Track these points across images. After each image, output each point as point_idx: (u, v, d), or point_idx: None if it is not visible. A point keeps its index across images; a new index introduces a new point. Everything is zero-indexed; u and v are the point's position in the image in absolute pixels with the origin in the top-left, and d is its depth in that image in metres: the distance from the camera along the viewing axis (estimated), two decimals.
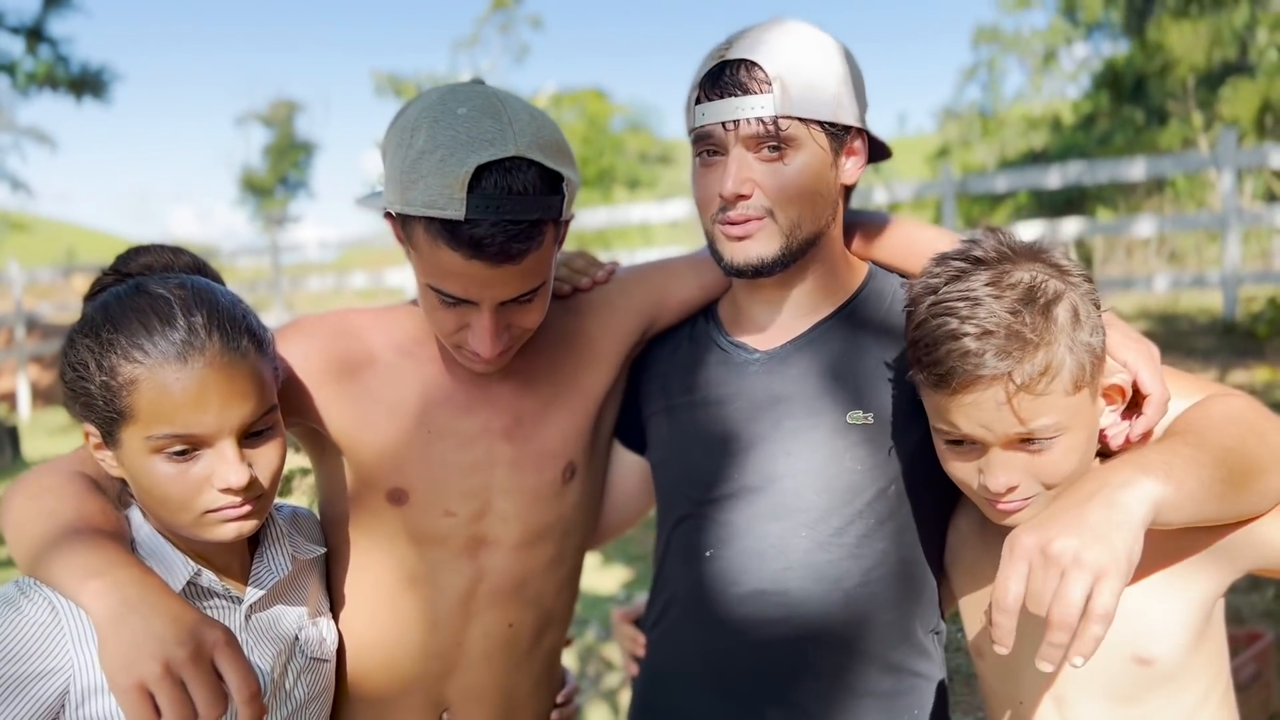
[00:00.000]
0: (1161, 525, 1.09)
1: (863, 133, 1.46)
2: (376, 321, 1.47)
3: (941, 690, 1.48)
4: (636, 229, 17.77)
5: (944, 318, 1.18)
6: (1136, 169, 8.33)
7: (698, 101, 1.40)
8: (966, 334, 1.16)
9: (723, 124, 1.37)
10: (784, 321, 1.49)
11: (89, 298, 1.26)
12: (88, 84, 15.35)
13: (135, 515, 1.26)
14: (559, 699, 1.64)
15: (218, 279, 1.30)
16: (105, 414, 1.17)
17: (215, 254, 14.97)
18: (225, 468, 1.17)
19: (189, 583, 1.22)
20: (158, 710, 1.04)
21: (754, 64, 1.36)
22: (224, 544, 1.24)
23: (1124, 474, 1.09)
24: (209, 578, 1.25)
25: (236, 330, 1.19)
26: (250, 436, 1.21)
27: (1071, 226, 8.61)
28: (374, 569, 1.46)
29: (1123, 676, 1.24)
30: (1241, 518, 1.18)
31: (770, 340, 1.49)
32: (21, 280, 12.53)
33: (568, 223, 1.36)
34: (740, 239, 1.39)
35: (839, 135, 1.42)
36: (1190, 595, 1.23)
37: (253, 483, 1.20)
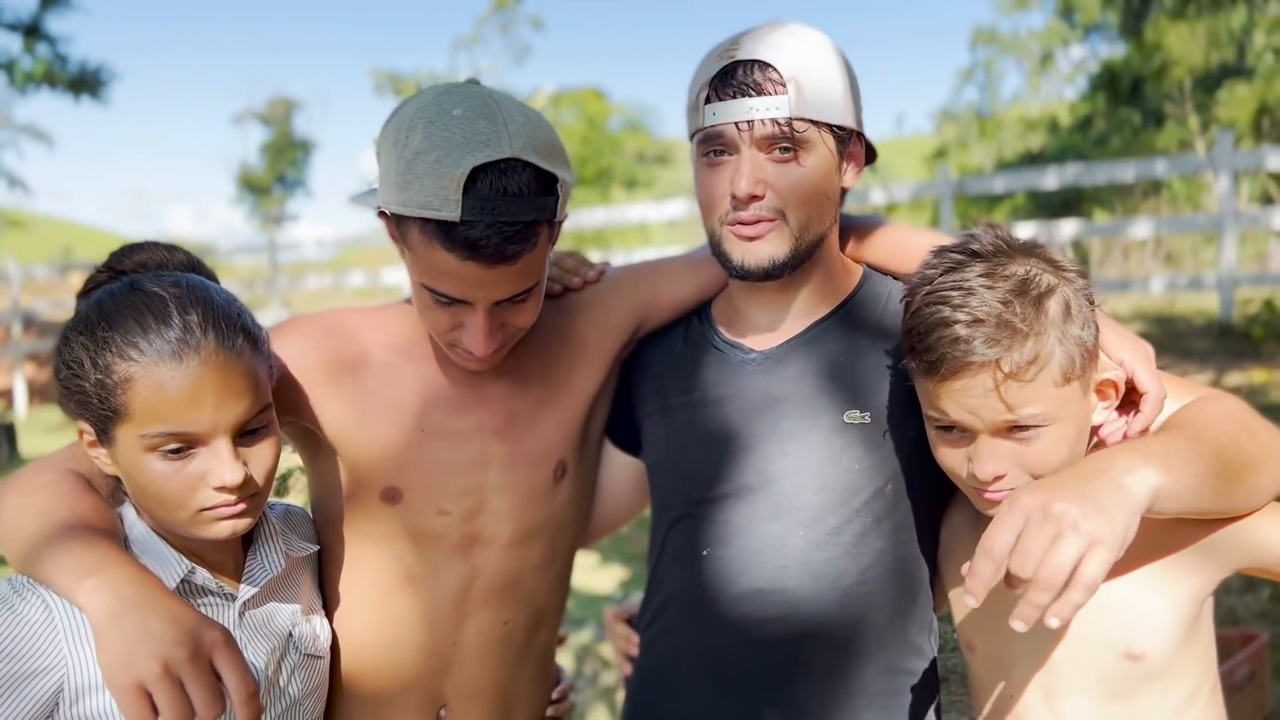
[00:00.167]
0: (1156, 513, 1.10)
1: (862, 137, 1.47)
2: (370, 320, 1.47)
3: (935, 689, 1.48)
4: (634, 229, 17.78)
5: (937, 306, 1.20)
6: (1133, 171, 8.34)
7: (707, 101, 1.39)
8: (958, 321, 1.18)
9: (735, 124, 1.36)
10: (781, 322, 1.50)
11: (83, 295, 1.26)
12: (85, 83, 15.33)
13: (128, 513, 1.26)
14: (554, 695, 1.65)
15: (212, 277, 1.31)
16: (100, 412, 1.17)
17: (212, 252, 14.96)
18: (220, 466, 1.17)
19: (183, 580, 1.22)
20: (155, 709, 1.04)
21: (767, 64, 1.36)
22: (218, 541, 1.24)
23: (1127, 459, 1.10)
24: (203, 575, 1.25)
25: (231, 328, 1.20)
26: (245, 435, 1.21)
27: (1068, 228, 8.62)
28: (368, 568, 1.46)
29: (1113, 672, 1.25)
30: (1233, 513, 1.19)
31: (767, 340, 1.50)
32: (18, 278, 12.51)
33: (561, 222, 1.36)
34: (752, 239, 1.39)
35: (844, 139, 1.42)
36: (1181, 592, 1.24)
37: (247, 481, 1.20)
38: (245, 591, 1.29)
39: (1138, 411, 1.26)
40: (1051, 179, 8.50)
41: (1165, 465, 1.10)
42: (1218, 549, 1.22)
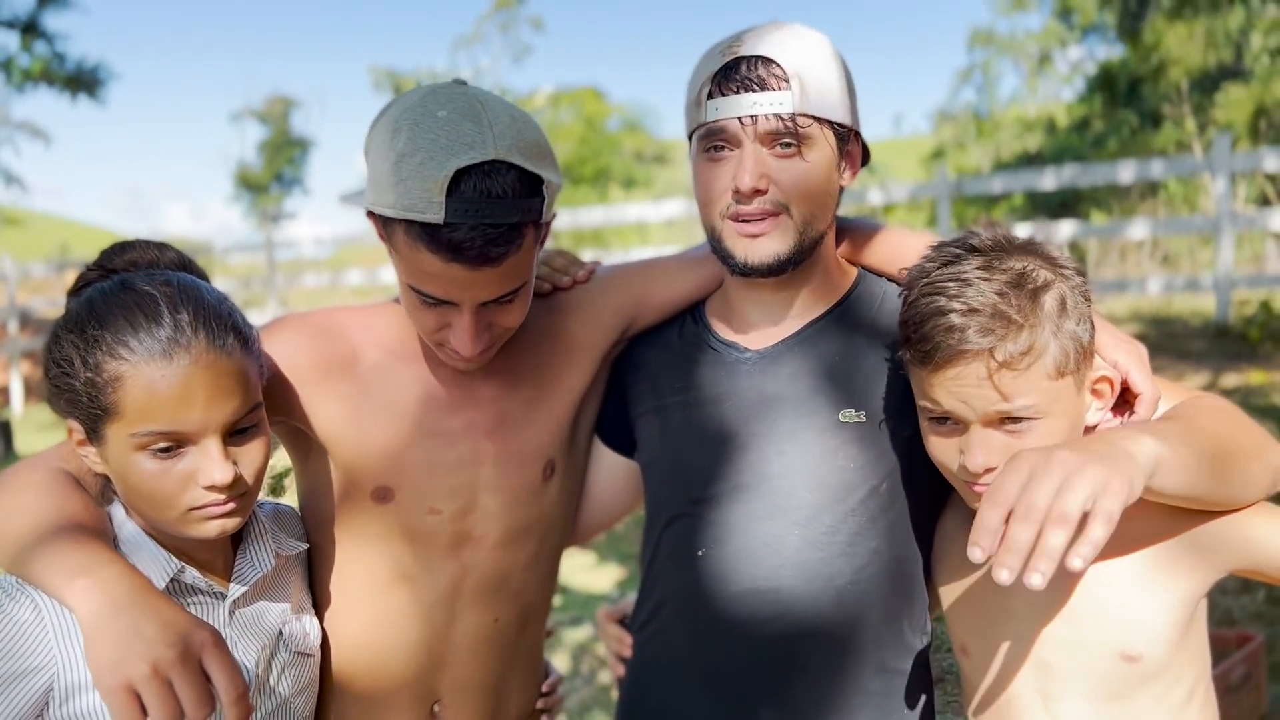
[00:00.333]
0: (1157, 491, 1.10)
1: (859, 138, 1.47)
2: (361, 320, 1.47)
3: (929, 689, 1.48)
4: (632, 228, 17.78)
5: (933, 296, 1.22)
6: (1131, 172, 8.36)
7: (709, 96, 1.39)
8: (953, 310, 1.19)
9: (739, 118, 1.36)
10: (776, 321, 1.50)
11: (73, 293, 1.25)
12: (83, 82, 15.33)
13: (118, 512, 1.26)
14: (544, 688, 1.66)
15: (203, 276, 1.30)
16: (90, 410, 1.17)
17: (210, 250, 14.94)
18: (210, 465, 1.17)
19: (172, 579, 1.22)
20: (145, 710, 1.04)
21: (771, 60, 1.36)
22: (207, 540, 1.24)
23: (1126, 432, 1.11)
24: (192, 574, 1.25)
25: (222, 327, 1.20)
26: (235, 434, 1.21)
27: (1066, 229, 8.64)
28: (359, 566, 1.46)
29: (1109, 674, 1.25)
30: (1228, 503, 1.19)
31: (762, 340, 1.50)
32: (15, 275, 12.50)
33: (549, 223, 1.36)
34: (755, 236, 1.39)
35: (844, 137, 1.43)
36: (1176, 593, 1.24)
37: (237, 480, 1.20)
38: (235, 590, 1.29)
39: (1132, 412, 1.27)
40: (1049, 180, 8.51)
41: (1164, 439, 1.11)
42: (1212, 550, 1.22)
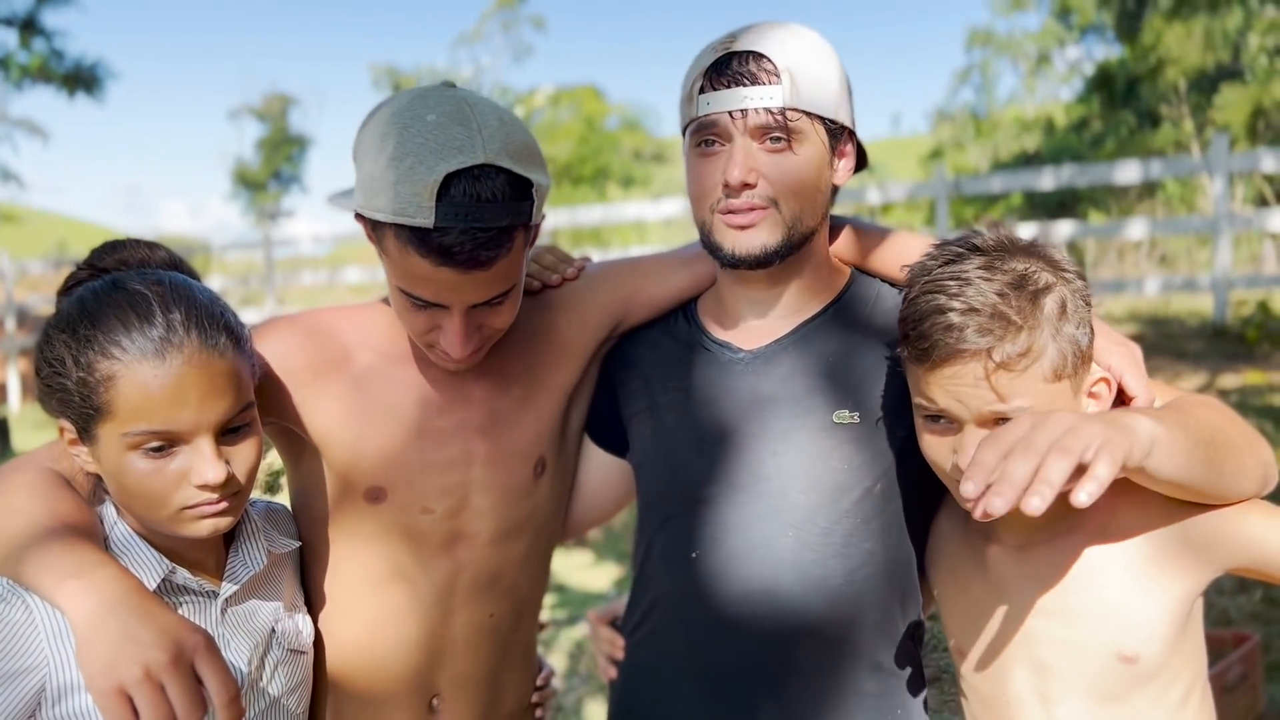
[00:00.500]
0: (1151, 474, 1.10)
1: (853, 135, 1.47)
2: (351, 321, 1.47)
3: (922, 689, 1.48)
4: (631, 226, 17.78)
5: (933, 294, 1.22)
6: (1129, 172, 8.36)
7: (701, 91, 1.39)
8: (952, 309, 1.19)
9: (729, 112, 1.37)
10: (769, 321, 1.50)
11: (64, 292, 1.25)
12: (81, 79, 15.32)
13: (109, 512, 1.26)
14: (538, 682, 1.67)
15: (194, 275, 1.30)
16: (81, 410, 1.17)
17: (208, 248, 14.92)
18: (202, 464, 1.17)
19: (164, 579, 1.22)
20: (136, 713, 1.04)
21: (762, 55, 1.37)
22: (200, 539, 1.24)
23: (1124, 411, 1.12)
24: (183, 575, 1.24)
25: (214, 327, 1.19)
26: (227, 433, 1.21)
27: (1064, 229, 8.64)
28: (353, 565, 1.46)
29: (1107, 674, 1.25)
30: (1220, 494, 1.19)
31: (756, 339, 1.49)
32: (12, 273, 12.49)
33: (539, 224, 1.36)
34: (743, 228, 1.39)
35: (837, 134, 1.43)
36: (1172, 592, 1.24)
37: (230, 479, 1.20)
38: (227, 589, 1.29)
39: None
40: (1047, 180, 8.51)
41: (1160, 422, 1.11)
42: (1207, 548, 1.22)
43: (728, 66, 1.37)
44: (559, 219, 10.94)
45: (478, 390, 1.47)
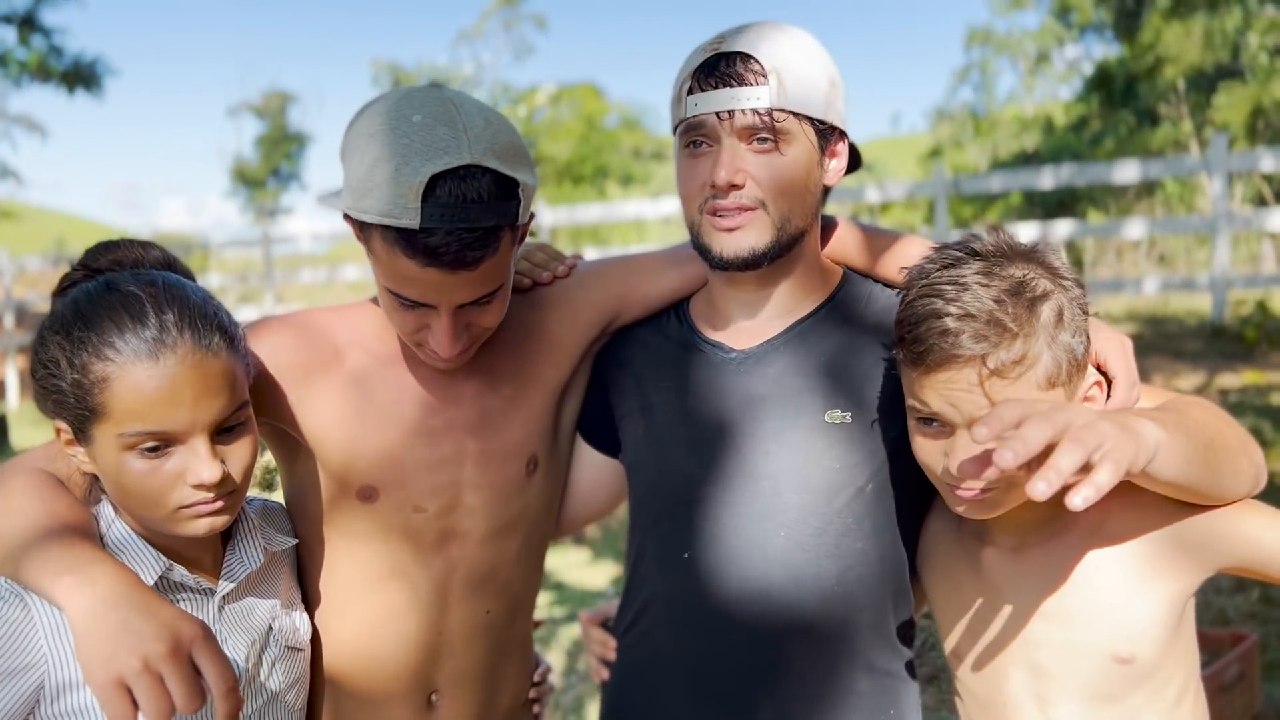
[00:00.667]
0: (1152, 476, 1.11)
1: (844, 136, 1.47)
2: (341, 321, 1.48)
3: (915, 689, 1.49)
4: (630, 224, 17.78)
5: (930, 298, 1.21)
6: (1128, 172, 8.37)
7: (690, 92, 1.40)
8: (949, 314, 1.19)
9: (716, 114, 1.37)
10: (761, 321, 1.50)
11: (58, 294, 1.26)
12: (81, 76, 15.30)
13: (106, 511, 1.27)
14: (535, 678, 1.68)
15: (188, 275, 1.31)
16: (77, 411, 1.17)
17: (206, 245, 14.91)
18: (198, 464, 1.18)
19: (160, 577, 1.23)
20: (136, 705, 1.05)
21: (750, 56, 1.37)
22: (197, 538, 1.24)
23: (1131, 414, 1.11)
24: (180, 572, 1.25)
25: (208, 327, 1.20)
26: (222, 432, 1.21)
27: (1063, 228, 8.65)
28: (348, 564, 1.46)
29: (1103, 675, 1.26)
30: (1216, 494, 1.20)
31: (748, 339, 1.49)
32: (11, 270, 12.48)
33: (526, 224, 1.36)
34: (731, 230, 1.40)
35: (826, 134, 1.43)
36: (1166, 593, 1.24)
37: (225, 478, 1.20)
38: (224, 586, 1.30)
39: (1108, 397, 1.28)
40: (1046, 179, 8.52)
41: (1163, 426, 1.11)
42: (1201, 548, 1.23)
43: (715, 68, 1.38)
44: (558, 217, 10.94)
45: (468, 389, 1.48)
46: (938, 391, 1.21)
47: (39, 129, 21.26)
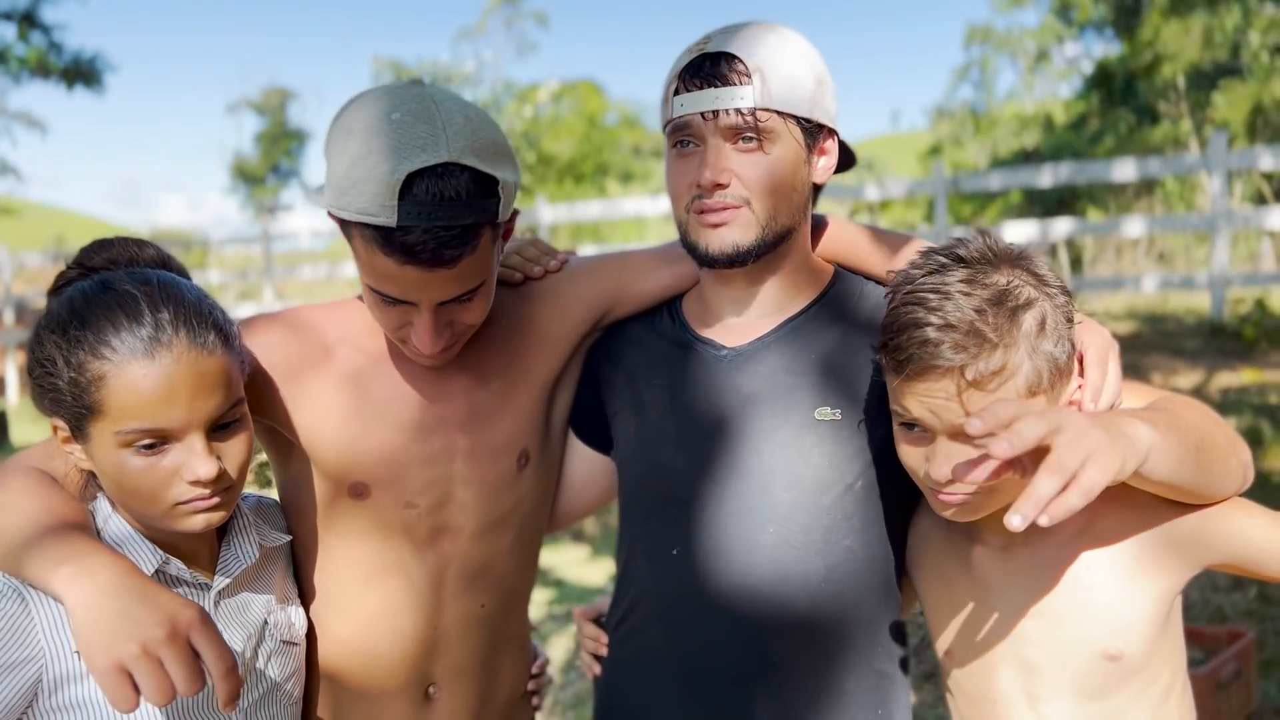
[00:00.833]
0: (1144, 477, 1.11)
1: (834, 134, 1.48)
2: (331, 318, 1.48)
3: (905, 686, 1.49)
4: (630, 222, 17.78)
5: (912, 306, 1.21)
6: (1127, 170, 8.36)
7: (676, 93, 1.41)
8: (929, 324, 1.19)
9: (701, 114, 1.38)
10: (752, 319, 1.50)
11: (53, 292, 1.27)
12: (80, 73, 15.29)
13: (102, 507, 1.28)
14: (533, 670, 1.68)
15: (183, 273, 1.31)
16: (74, 409, 1.18)
17: (206, 242, 14.91)
18: (194, 461, 1.19)
19: (157, 571, 1.24)
20: (137, 689, 1.06)
21: (734, 57, 1.38)
22: (193, 534, 1.25)
23: (1124, 416, 1.12)
24: (177, 566, 1.26)
25: (203, 325, 1.21)
26: (218, 429, 1.22)
27: (1062, 226, 8.65)
28: (342, 560, 1.47)
29: (1093, 672, 1.26)
30: (1206, 494, 1.20)
31: (739, 337, 1.50)
32: (10, 266, 12.48)
33: (511, 221, 1.37)
34: (716, 226, 1.41)
35: (813, 133, 1.44)
36: (1154, 590, 1.25)
37: (221, 475, 1.21)
38: (220, 581, 1.31)
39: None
40: (1046, 177, 8.51)
41: (1155, 427, 1.12)
42: (1189, 546, 1.24)
43: (700, 68, 1.39)
44: (558, 214, 10.94)
45: (458, 384, 1.48)
46: (918, 399, 1.22)
47: (39, 125, 21.26)
